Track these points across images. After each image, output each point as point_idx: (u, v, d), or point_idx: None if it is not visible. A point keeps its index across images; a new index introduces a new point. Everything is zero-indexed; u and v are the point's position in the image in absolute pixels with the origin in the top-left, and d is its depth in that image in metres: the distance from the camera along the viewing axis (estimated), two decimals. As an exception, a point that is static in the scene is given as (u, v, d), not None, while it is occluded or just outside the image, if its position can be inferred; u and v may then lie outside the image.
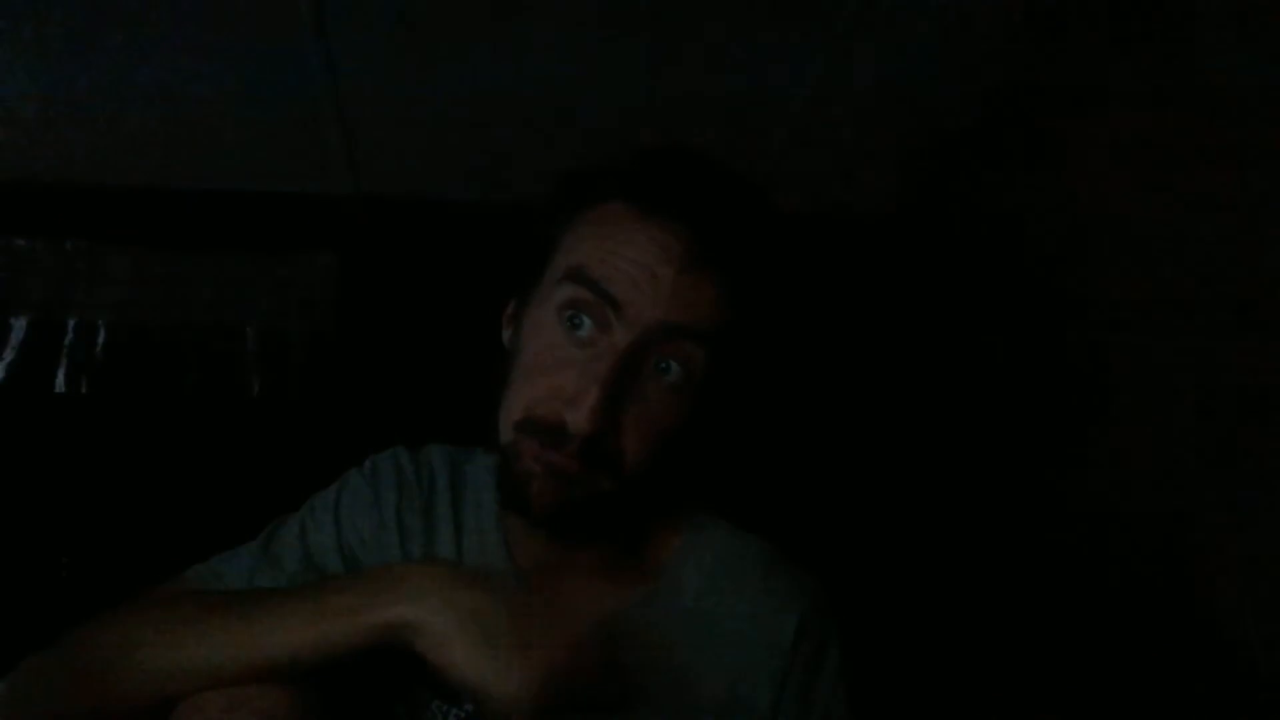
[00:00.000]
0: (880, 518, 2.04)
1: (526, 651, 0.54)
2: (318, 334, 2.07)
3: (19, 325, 2.00)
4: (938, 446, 2.02)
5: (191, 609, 0.63)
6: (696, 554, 0.73)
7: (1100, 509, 1.43)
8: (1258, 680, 1.11)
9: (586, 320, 0.63)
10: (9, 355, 1.99)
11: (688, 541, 0.74)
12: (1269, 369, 1.13)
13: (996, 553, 1.75)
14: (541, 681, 0.53)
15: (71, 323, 2.02)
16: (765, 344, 0.68)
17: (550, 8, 1.56)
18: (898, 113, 1.85)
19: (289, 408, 2.04)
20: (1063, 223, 1.56)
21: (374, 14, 1.57)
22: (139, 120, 1.87)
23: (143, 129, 1.90)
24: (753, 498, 0.80)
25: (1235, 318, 1.19)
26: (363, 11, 1.56)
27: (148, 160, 2.03)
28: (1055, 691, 1.51)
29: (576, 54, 1.68)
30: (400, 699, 0.69)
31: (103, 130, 1.91)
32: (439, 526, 0.73)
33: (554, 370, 0.63)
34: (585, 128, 1.88)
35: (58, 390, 1.99)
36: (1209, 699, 1.16)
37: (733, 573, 0.72)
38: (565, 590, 0.71)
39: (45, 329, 2.01)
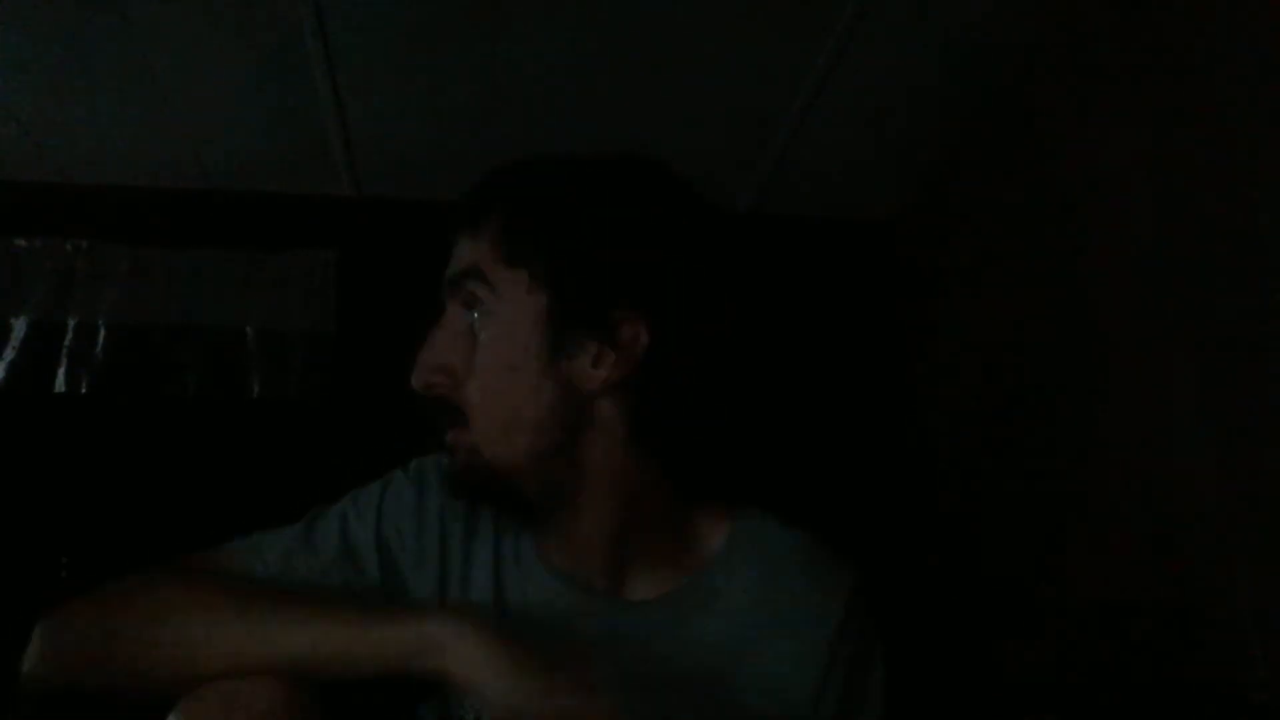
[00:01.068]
0: (874, 516, 2.04)
1: (555, 672, 0.57)
2: (318, 334, 2.07)
3: (19, 325, 2.00)
4: (937, 447, 2.02)
5: (238, 591, 0.65)
6: (744, 547, 0.75)
7: (1099, 510, 1.43)
8: (1258, 683, 1.11)
9: None
10: (9, 355, 1.99)
11: (735, 535, 0.75)
12: (1269, 371, 1.13)
13: (993, 555, 1.75)
14: (571, 700, 0.55)
15: (71, 323, 2.02)
16: (549, 248, 0.70)
17: (549, 9, 1.56)
18: (897, 116, 1.86)
19: (289, 408, 2.04)
20: (1062, 225, 1.56)
21: (374, 14, 1.57)
22: (139, 120, 1.87)
23: (143, 129, 1.91)
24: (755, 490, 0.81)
25: (1235, 319, 1.19)
26: (363, 11, 1.57)
27: (148, 160, 2.03)
28: (1054, 693, 1.51)
29: (576, 55, 1.68)
30: (430, 701, 0.70)
31: (103, 130, 1.92)
32: (480, 532, 0.75)
33: None
34: (584, 128, 1.88)
35: (58, 390, 1.99)
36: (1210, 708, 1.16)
37: (780, 564, 0.74)
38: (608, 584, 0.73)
39: (45, 329, 2.01)
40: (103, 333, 2.01)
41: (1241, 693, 1.12)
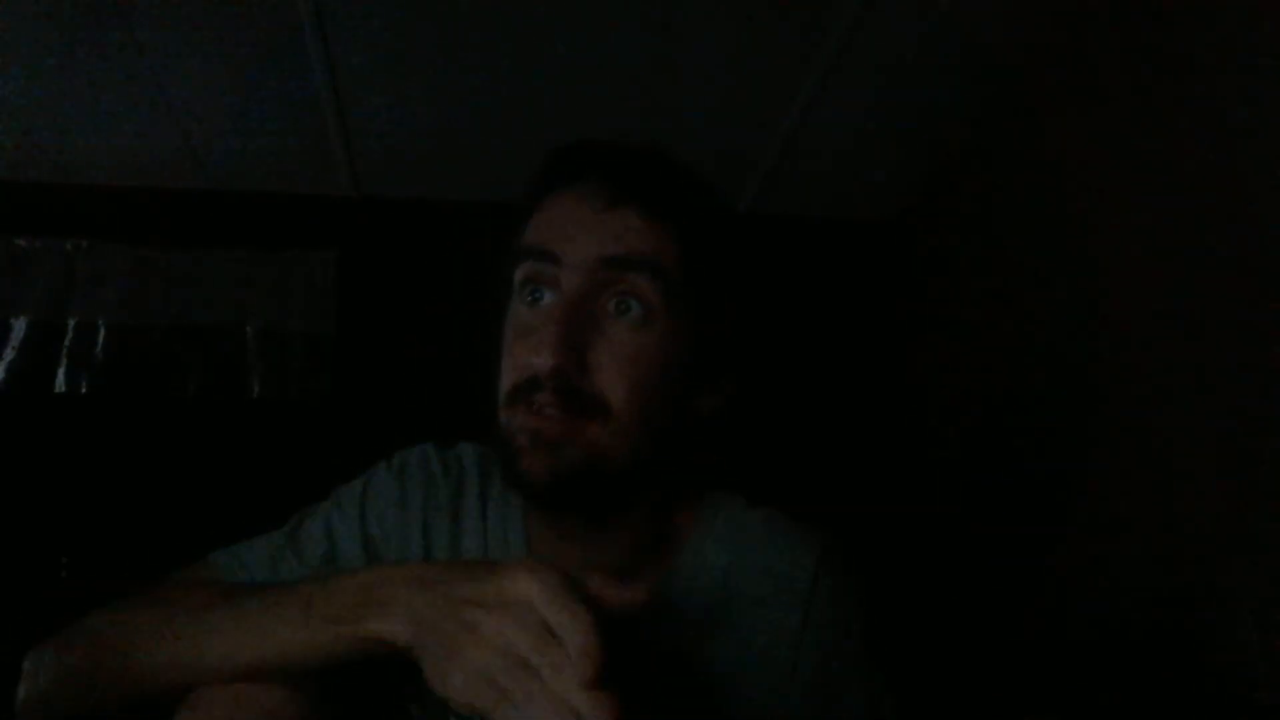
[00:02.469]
0: (874, 515, 2.04)
1: (498, 677, 0.51)
2: (318, 334, 2.07)
3: (19, 325, 2.01)
4: (936, 446, 2.02)
5: (199, 601, 0.64)
6: (714, 529, 0.75)
7: (1100, 511, 1.43)
8: (1257, 684, 1.11)
9: (545, 291, 0.67)
10: (9, 355, 1.99)
11: (705, 521, 0.75)
12: (1270, 370, 1.13)
13: (992, 555, 1.74)
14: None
15: (71, 323, 2.02)
16: (721, 277, 0.70)
17: (549, 9, 1.56)
18: (897, 117, 1.85)
19: (289, 408, 2.04)
20: (1062, 224, 1.56)
21: (374, 14, 1.57)
22: (139, 120, 1.87)
23: (143, 129, 1.91)
24: (756, 483, 0.82)
25: (1235, 319, 1.19)
26: (363, 11, 1.57)
27: (148, 160, 2.03)
28: (1055, 692, 1.51)
29: (576, 55, 1.68)
30: (418, 700, 0.69)
31: (103, 130, 1.92)
32: (465, 525, 0.74)
33: (524, 340, 0.66)
34: (584, 128, 1.88)
35: (58, 390, 1.99)
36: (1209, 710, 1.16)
37: (750, 540, 0.74)
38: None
39: (45, 329, 2.01)
40: (103, 333, 2.02)
41: (1242, 692, 1.12)
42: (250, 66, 1.71)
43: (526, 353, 0.64)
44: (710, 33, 1.61)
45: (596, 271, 0.65)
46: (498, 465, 0.76)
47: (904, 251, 2.22)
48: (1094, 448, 1.46)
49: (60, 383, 1.99)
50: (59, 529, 1.93)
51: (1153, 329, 1.33)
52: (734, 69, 1.72)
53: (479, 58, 1.69)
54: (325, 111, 1.83)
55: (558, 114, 1.84)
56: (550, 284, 0.66)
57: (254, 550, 0.72)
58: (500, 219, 0.75)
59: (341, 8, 1.55)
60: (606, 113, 1.83)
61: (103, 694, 0.61)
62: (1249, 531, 1.14)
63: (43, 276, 2.02)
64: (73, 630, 0.65)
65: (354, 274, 2.12)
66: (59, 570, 1.91)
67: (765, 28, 1.60)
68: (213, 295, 2.06)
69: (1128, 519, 1.36)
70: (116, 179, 2.11)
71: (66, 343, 2.00)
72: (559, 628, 0.49)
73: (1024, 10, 1.55)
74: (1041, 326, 1.62)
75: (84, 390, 1.99)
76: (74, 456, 1.98)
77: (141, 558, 1.93)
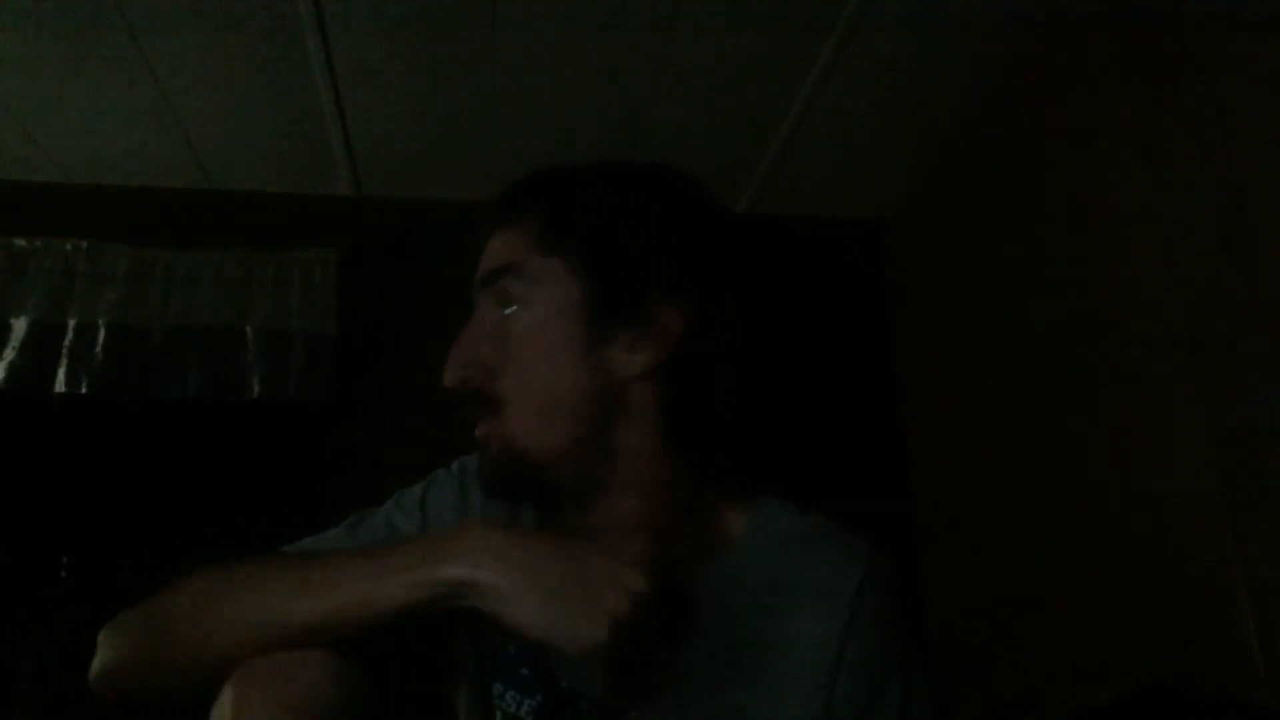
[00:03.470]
0: (868, 516, 2.04)
1: (587, 598, 0.57)
2: (318, 334, 2.07)
3: (19, 325, 2.00)
4: (931, 447, 2.02)
5: (267, 566, 0.67)
6: (764, 532, 0.77)
7: (1098, 510, 1.43)
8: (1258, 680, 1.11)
9: None
10: (9, 355, 1.99)
11: (754, 520, 0.77)
12: (1268, 371, 1.13)
13: (989, 556, 1.75)
14: (606, 627, 0.55)
15: (71, 323, 2.02)
16: (597, 241, 0.72)
17: (548, 9, 1.56)
18: (894, 117, 1.86)
19: (289, 408, 2.04)
20: (1057, 224, 1.56)
21: (374, 14, 1.57)
22: (139, 120, 1.88)
23: (143, 129, 1.91)
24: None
25: (1233, 320, 1.19)
26: (363, 12, 1.57)
27: (148, 160, 2.03)
28: (1054, 693, 1.51)
29: (575, 56, 1.68)
30: (467, 686, 0.71)
31: (103, 130, 1.92)
32: (521, 524, 0.76)
33: None
34: (583, 129, 1.88)
35: (58, 390, 1.99)
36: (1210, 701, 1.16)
37: (798, 541, 0.76)
38: None
39: (45, 329, 2.01)
40: (103, 333, 2.01)
41: (1241, 693, 1.12)
42: (250, 67, 1.71)
43: None
44: (709, 33, 1.62)
45: (479, 292, 0.73)
46: None
47: (902, 251, 2.23)
48: (1091, 447, 1.46)
49: (60, 383, 1.99)
50: (59, 529, 1.93)
51: (1150, 327, 1.33)
52: (732, 70, 1.72)
53: (479, 57, 1.69)
54: (325, 111, 1.83)
55: (556, 115, 1.84)
56: None
57: (315, 543, 0.75)
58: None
59: (341, 8, 1.56)
60: (605, 114, 1.84)
61: (176, 659, 0.63)
62: (1248, 532, 1.14)
63: (43, 276, 2.02)
64: (147, 601, 0.67)
65: (354, 274, 2.12)
66: (59, 570, 1.91)
67: (764, 28, 1.60)
68: (213, 295, 2.05)
69: (1127, 519, 1.36)
70: (116, 179, 2.11)
71: (66, 343, 2.00)
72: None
73: (1020, 12, 1.56)
74: (1036, 325, 1.62)
75: (84, 390, 1.99)
76: (74, 456, 1.98)
77: (142, 557, 1.94)
